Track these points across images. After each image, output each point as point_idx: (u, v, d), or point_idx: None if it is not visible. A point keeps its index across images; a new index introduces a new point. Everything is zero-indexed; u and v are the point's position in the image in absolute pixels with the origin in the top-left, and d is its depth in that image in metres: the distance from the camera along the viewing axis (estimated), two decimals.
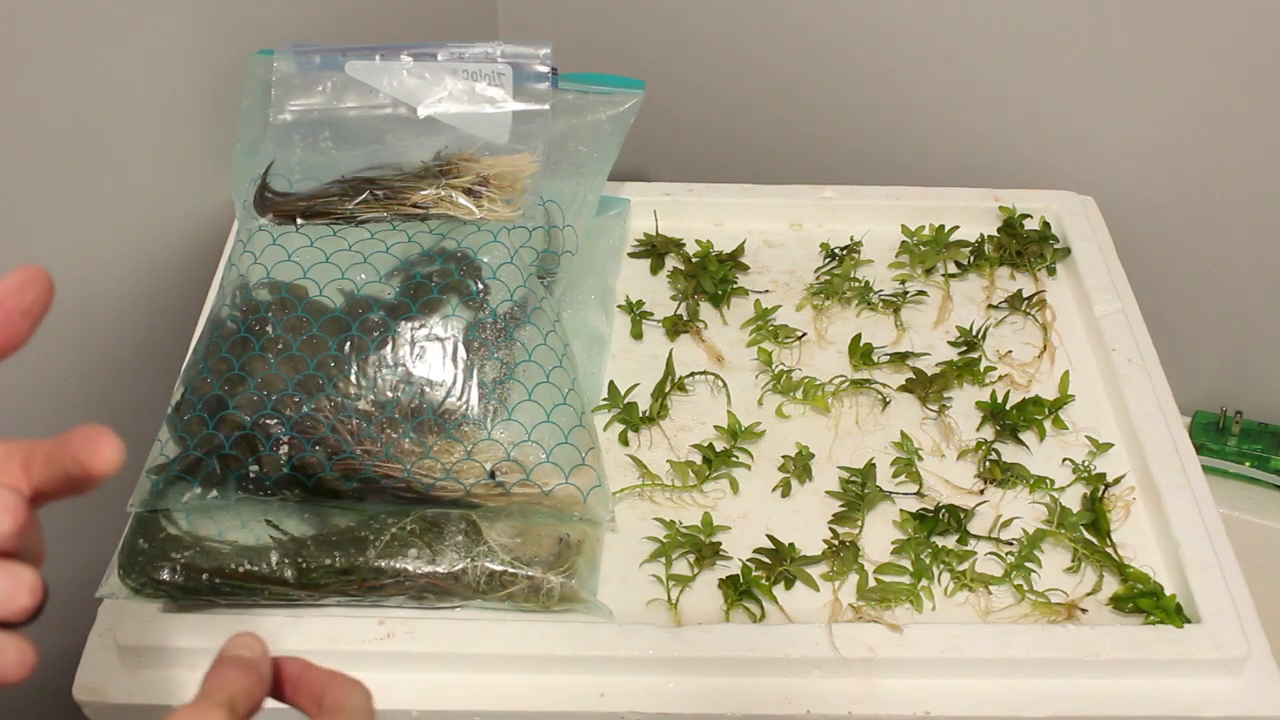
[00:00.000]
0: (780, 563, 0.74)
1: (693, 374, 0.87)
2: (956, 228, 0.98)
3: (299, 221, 0.80)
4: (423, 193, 0.82)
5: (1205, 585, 0.72)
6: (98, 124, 0.82)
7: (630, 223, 0.98)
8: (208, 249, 0.93)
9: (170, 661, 0.69)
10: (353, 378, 0.72)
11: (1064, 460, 0.81)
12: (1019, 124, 1.11)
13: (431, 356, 0.74)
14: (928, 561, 0.74)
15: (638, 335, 0.91)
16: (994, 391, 0.85)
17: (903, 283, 0.95)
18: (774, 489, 0.80)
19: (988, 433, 0.83)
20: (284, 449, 0.71)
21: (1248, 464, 1.14)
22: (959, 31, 1.07)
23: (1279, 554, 1.10)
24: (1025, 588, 0.73)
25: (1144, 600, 0.72)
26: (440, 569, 0.70)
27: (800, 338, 0.90)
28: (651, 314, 0.92)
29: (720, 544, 0.75)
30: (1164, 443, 0.80)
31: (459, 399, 0.73)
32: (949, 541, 0.76)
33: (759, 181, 1.02)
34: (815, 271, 0.96)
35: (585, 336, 0.86)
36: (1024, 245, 0.96)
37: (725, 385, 0.86)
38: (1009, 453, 0.82)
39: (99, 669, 0.69)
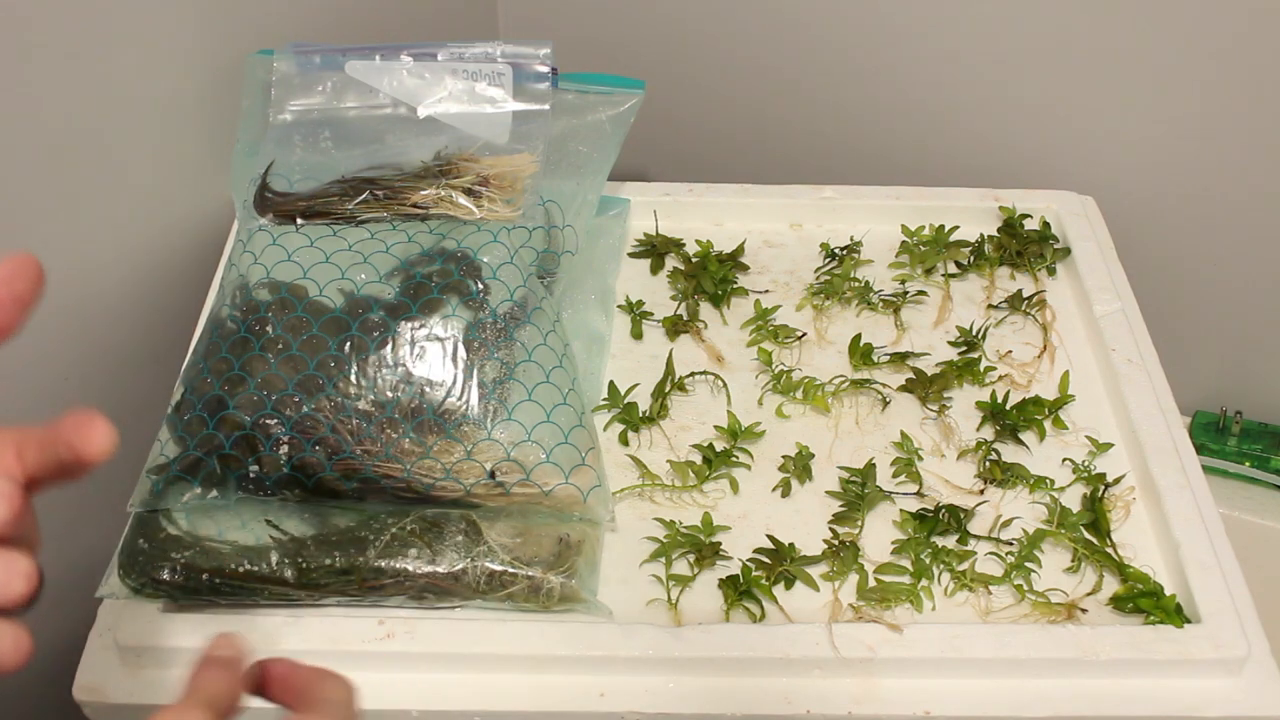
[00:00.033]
0: (780, 563, 0.74)
1: (693, 374, 0.87)
2: (956, 228, 0.98)
3: (299, 221, 0.80)
4: (423, 193, 0.82)
5: (1205, 585, 0.72)
6: (98, 124, 0.82)
7: (630, 223, 0.98)
8: (208, 249, 0.93)
9: (170, 661, 0.69)
10: (353, 378, 0.72)
11: (1064, 460, 0.81)
12: (1019, 124, 1.11)
13: (431, 356, 0.74)
14: (928, 561, 0.74)
15: (638, 335, 0.91)
16: (994, 391, 0.85)
17: (903, 283, 0.95)
18: (774, 489, 0.80)
19: (988, 433, 0.83)
20: (284, 449, 0.71)
21: (1248, 464, 1.14)
22: (959, 31, 1.07)
23: (1279, 554, 1.10)
24: (1025, 588, 0.73)
25: (1144, 600, 0.72)
26: (440, 569, 0.70)
27: (800, 338, 0.90)
28: (651, 314, 0.92)
29: (720, 544, 0.75)
30: (1164, 443, 0.80)
31: (459, 399, 0.73)
32: (949, 541, 0.76)
33: (759, 181, 1.02)
34: (815, 271, 0.96)
35: (585, 336, 0.86)
36: (1024, 245, 0.96)
37: (725, 385, 0.86)
38: (1009, 453, 0.82)
39: (99, 669, 0.69)
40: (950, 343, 0.90)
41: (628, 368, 0.88)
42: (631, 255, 0.97)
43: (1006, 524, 0.77)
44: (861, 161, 1.17)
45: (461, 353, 0.74)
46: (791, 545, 0.75)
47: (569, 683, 0.69)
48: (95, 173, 0.83)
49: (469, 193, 0.82)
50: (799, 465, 0.80)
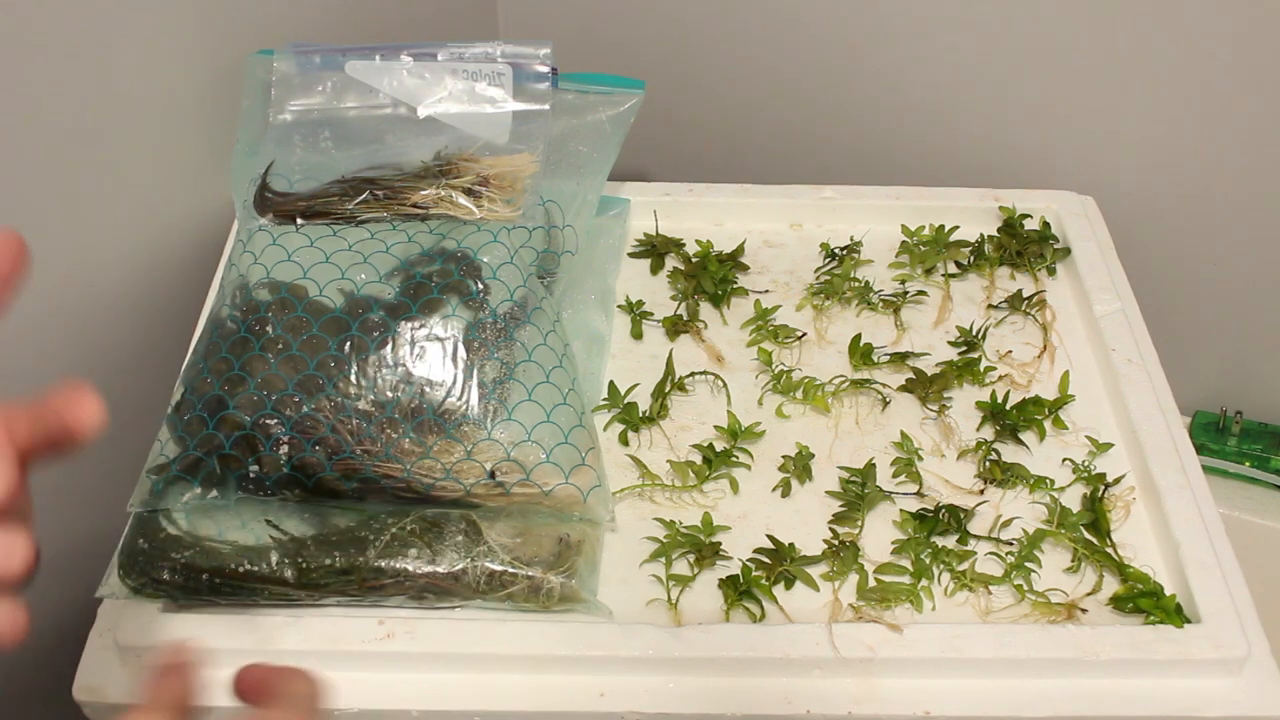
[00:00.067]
0: (780, 563, 0.74)
1: (693, 374, 0.87)
2: (956, 228, 0.98)
3: (299, 221, 0.80)
4: (423, 193, 0.82)
5: (1205, 585, 0.72)
6: (98, 124, 0.82)
7: (630, 223, 0.98)
8: (208, 249, 0.93)
9: None
10: (353, 378, 0.72)
11: (1064, 460, 0.81)
12: (1019, 124, 1.11)
13: (431, 356, 0.74)
14: (928, 561, 0.74)
15: (638, 335, 0.91)
16: (994, 391, 0.85)
17: (903, 283, 0.95)
18: (774, 489, 0.80)
19: (988, 433, 0.83)
20: (284, 449, 0.71)
21: (1248, 464, 1.14)
22: (959, 31, 1.07)
23: (1279, 554, 1.10)
24: (1025, 588, 0.73)
25: (1144, 600, 0.72)
26: (440, 569, 0.70)
27: (800, 338, 0.90)
28: (651, 314, 0.92)
29: (720, 544, 0.75)
30: (1164, 443, 0.80)
31: (459, 399, 0.73)
32: (949, 541, 0.76)
33: (759, 181, 1.02)
34: (815, 271, 0.96)
35: (585, 336, 0.86)
36: (1024, 245, 0.96)
37: (725, 385, 0.86)
38: (1009, 453, 0.82)
39: (99, 669, 0.69)
40: (950, 343, 0.90)
41: (628, 368, 0.88)
42: (631, 255, 0.97)
43: (1006, 524, 0.77)
44: (861, 161, 1.17)
45: (461, 353, 0.74)
46: (791, 545, 0.75)
47: (569, 683, 0.69)
48: (95, 173, 0.83)
49: (469, 193, 0.82)
50: (799, 465, 0.80)
